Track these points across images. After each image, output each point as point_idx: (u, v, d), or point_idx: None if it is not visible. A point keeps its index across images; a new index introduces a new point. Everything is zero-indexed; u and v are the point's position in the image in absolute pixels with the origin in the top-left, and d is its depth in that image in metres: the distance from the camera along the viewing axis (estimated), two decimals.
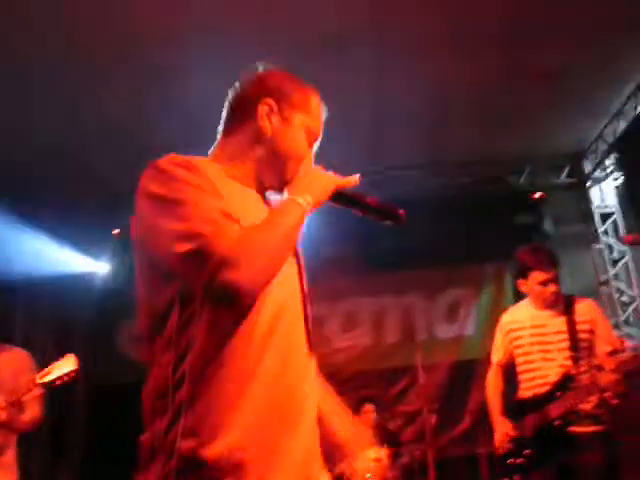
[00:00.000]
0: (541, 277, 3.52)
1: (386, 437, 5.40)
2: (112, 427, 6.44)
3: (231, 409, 1.40)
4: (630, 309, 6.96)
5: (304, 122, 1.65)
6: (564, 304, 3.55)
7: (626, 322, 6.95)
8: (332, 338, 7.07)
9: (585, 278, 7.18)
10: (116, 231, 7.04)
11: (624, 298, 7.03)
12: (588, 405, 3.33)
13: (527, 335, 3.59)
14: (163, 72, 4.84)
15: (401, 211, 1.70)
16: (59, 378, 3.39)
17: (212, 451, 1.35)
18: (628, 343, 3.51)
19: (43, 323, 6.92)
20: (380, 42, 4.86)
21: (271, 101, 1.59)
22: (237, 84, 1.68)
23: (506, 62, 5.15)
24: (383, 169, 6.81)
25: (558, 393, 3.34)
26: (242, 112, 1.63)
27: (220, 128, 1.69)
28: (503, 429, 3.54)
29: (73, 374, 3.40)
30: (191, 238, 1.34)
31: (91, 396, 7.02)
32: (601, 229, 7.17)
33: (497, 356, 3.80)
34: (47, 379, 3.36)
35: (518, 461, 3.43)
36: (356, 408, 5.49)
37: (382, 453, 4.86)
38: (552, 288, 3.51)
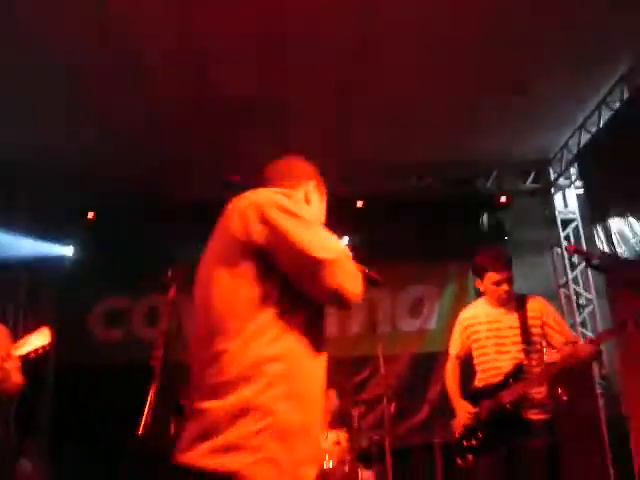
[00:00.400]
0: (495, 278, 3.87)
1: (346, 422, 5.68)
2: (80, 407, 6.61)
3: (308, 386, 1.88)
4: (586, 311, 7.27)
5: (322, 202, 2.33)
6: (517, 302, 3.89)
7: (582, 324, 7.25)
8: None
9: (545, 280, 7.52)
10: (90, 215, 7.20)
11: (581, 301, 7.33)
12: (539, 395, 3.68)
13: (484, 330, 3.93)
14: None
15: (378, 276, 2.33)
16: (34, 351, 3.60)
17: (298, 416, 1.79)
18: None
19: (13, 305, 6.97)
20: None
21: (314, 183, 2.30)
22: (296, 157, 2.42)
23: (477, 70, 5.36)
24: (355, 165, 7.05)
25: (510, 381, 3.67)
26: (297, 177, 2.29)
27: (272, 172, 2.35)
28: (464, 409, 3.86)
29: (47, 347, 3.60)
30: (330, 251, 1.84)
31: (60, 376, 7.04)
32: (562, 234, 7.44)
33: (455, 349, 4.13)
34: (22, 351, 3.57)
35: (472, 442, 3.76)
36: None
37: (342, 437, 5.19)
38: (505, 287, 3.86)
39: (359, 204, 7.20)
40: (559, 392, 5.63)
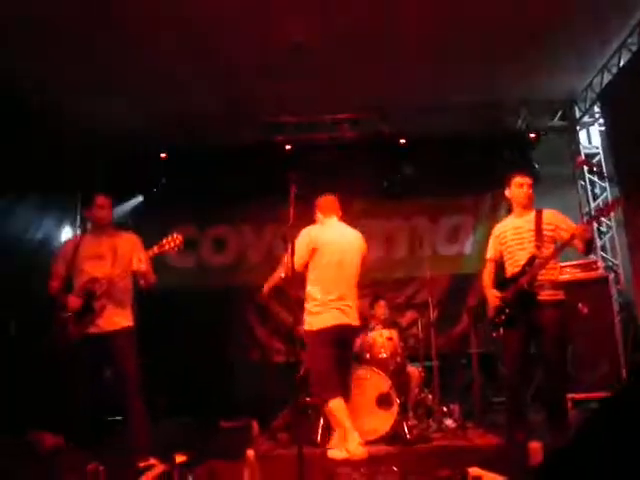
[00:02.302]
0: (519, 181, 4.91)
1: (396, 326, 6.65)
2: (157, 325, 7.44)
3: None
4: (607, 237, 8.05)
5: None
6: (536, 212, 4.86)
7: (602, 248, 8.04)
8: None
9: (570, 209, 8.28)
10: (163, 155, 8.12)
11: (602, 228, 8.09)
12: (551, 276, 4.68)
13: (510, 235, 4.91)
14: None
15: None
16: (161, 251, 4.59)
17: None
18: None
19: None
20: None
21: None
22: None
23: (508, 18, 5.92)
24: (396, 107, 7.83)
25: (526, 269, 4.67)
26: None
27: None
28: (493, 294, 4.88)
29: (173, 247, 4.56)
30: None
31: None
32: (586, 168, 8.14)
33: (489, 254, 5.11)
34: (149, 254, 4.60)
35: (502, 318, 4.76)
36: (371, 304, 6.70)
37: (393, 334, 6.15)
38: (526, 190, 4.87)
39: (402, 141, 7.99)
40: (580, 307, 6.69)
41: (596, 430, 1.99)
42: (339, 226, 5.30)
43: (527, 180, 4.90)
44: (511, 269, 4.85)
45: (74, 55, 6.14)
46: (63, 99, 6.86)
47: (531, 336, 4.69)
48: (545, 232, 4.73)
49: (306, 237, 5.08)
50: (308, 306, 5.05)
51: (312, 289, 5.05)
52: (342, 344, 5.02)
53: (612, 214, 5.27)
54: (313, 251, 5.05)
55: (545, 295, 4.63)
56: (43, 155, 6.64)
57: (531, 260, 4.67)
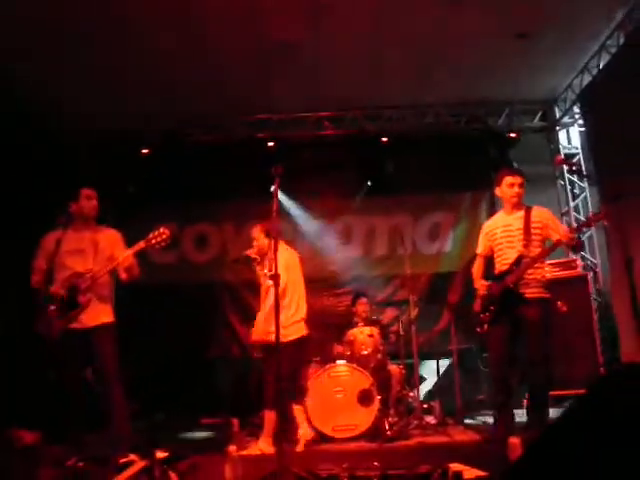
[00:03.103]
0: (510, 180, 4.95)
1: (377, 323, 6.68)
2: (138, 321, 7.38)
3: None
4: (586, 236, 8.08)
5: None
6: (525, 210, 4.92)
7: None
8: (330, 249, 8.28)
9: (549, 209, 8.35)
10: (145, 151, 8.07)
11: None
12: (538, 275, 4.77)
13: (499, 232, 5.00)
14: None
15: None
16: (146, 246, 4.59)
17: None
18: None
19: None
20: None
21: None
22: None
23: (492, 20, 6.02)
24: (379, 107, 7.92)
25: (514, 268, 4.76)
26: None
27: None
28: (482, 283, 4.99)
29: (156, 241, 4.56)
30: None
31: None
32: (565, 167, 8.20)
33: (480, 249, 5.23)
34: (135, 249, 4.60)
35: (487, 315, 4.87)
36: (353, 301, 6.73)
37: (374, 331, 6.18)
38: (517, 189, 4.92)
39: (384, 140, 8.03)
40: (559, 305, 6.78)
41: (569, 426, 2.02)
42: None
43: (518, 179, 4.97)
44: (499, 266, 4.96)
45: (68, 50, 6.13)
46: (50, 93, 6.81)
47: (515, 333, 4.77)
48: (533, 230, 4.82)
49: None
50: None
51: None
52: None
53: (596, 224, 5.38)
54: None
55: (531, 293, 4.74)
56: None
57: (518, 259, 4.76)
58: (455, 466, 3.32)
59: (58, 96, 6.88)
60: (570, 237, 4.66)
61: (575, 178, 8.25)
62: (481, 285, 4.98)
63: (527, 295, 4.73)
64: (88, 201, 4.81)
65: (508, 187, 4.95)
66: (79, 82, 6.74)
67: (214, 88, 7.16)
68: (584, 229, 5.05)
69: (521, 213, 4.92)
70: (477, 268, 5.20)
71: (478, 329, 4.94)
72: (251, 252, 5.35)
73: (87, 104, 7.10)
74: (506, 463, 3.44)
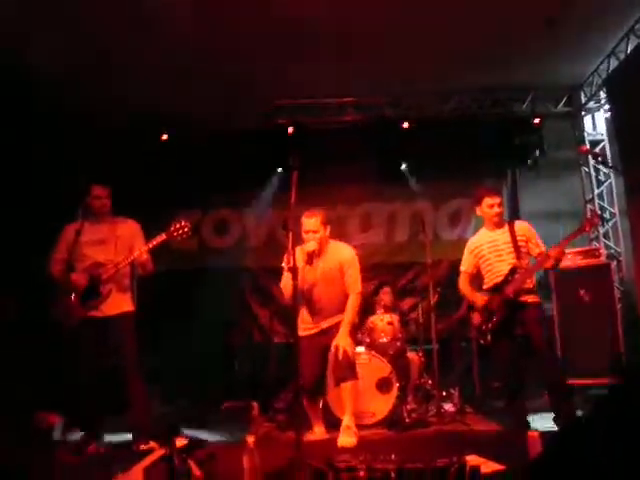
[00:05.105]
0: (489, 202, 5.16)
1: (398, 311, 6.67)
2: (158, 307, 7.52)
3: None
4: (609, 224, 8.06)
5: None
6: (508, 225, 5.18)
7: (605, 235, 8.06)
8: (350, 236, 8.22)
9: (573, 196, 8.29)
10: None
11: (605, 215, 8.07)
12: (530, 284, 5.00)
13: (486, 248, 5.20)
14: None
15: None
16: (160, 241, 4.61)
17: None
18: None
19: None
20: None
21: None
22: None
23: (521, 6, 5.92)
24: (404, 92, 7.82)
25: (510, 278, 4.95)
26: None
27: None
28: (480, 296, 5.15)
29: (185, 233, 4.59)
30: None
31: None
32: (591, 157, 8.08)
33: (465, 266, 5.40)
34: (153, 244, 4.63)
35: (489, 326, 5.01)
36: (375, 290, 6.72)
37: (394, 319, 6.18)
38: (497, 210, 5.16)
39: (405, 125, 7.94)
40: (581, 294, 6.74)
41: (589, 424, 2.00)
42: None
43: (497, 199, 5.19)
44: (490, 280, 5.14)
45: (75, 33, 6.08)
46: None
47: (518, 338, 4.99)
48: (520, 243, 5.05)
49: None
50: None
51: None
52: None
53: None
54: None
55: (525, 298, 4.97)
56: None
57: (513, 270, 4.98)
58: (472, 459, 3.30)
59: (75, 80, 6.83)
60: (559, 251, 4.89)
61: (600, 166, 8.11)
62: (482, 299, 5.09)
63: (523, 300, 4.96)
64: (97, 200, 4.84)
65: (488, 208, 5.17)
66: (94, 66, 6.65)
67: (232, 74, 7.03)
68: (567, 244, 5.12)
69: (505, 228, 5.16)
70: (465, 284, 5.34)
71: (482, 341, 5.11)
72: (314, 247, 4.93)
73: (102, 88, 7.03)
74: (525, 457, 3.42)
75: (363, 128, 8.02)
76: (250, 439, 2.94)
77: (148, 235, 4.83)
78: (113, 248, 4.73)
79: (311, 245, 4.88)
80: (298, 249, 4.65)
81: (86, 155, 7.33)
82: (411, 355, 6.30)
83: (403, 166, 8.34)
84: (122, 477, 3.01)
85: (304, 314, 5.07)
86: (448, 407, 6.12)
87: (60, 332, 4.52)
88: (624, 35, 6.67)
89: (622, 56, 6.87)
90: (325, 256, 5.03)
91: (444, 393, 6.35)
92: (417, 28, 6.34)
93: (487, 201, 5.16)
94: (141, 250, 4.61)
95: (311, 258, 4.87)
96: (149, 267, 4.76)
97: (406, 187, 8.44)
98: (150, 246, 4.61)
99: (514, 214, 8.02)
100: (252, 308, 8.30)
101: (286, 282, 4.37)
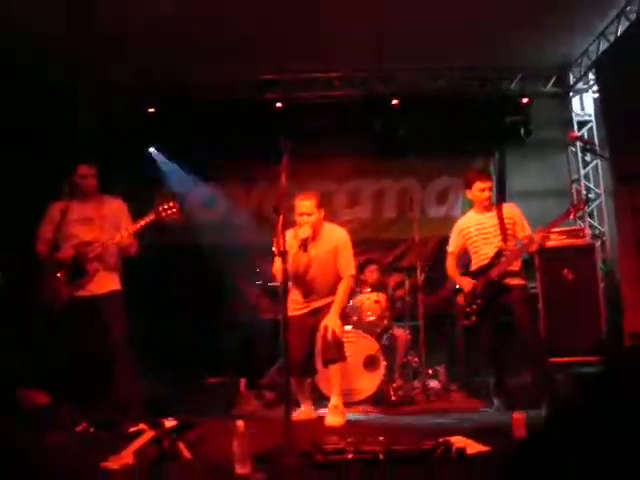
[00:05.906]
0: (480, 186, 5.23)
1: (384, 289, 6.70)
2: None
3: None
4: (594, 204, 8.14)
5: None
6: (496, 208, 5.24)
7: (590, 215, 8.15)
8: (338, 211, 8.25)
9: (560, 176, 8.34)
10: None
11: (591, 195, 8.15)
12: (516, 267, 5.08)
13: (473, 230, 5.28)
14: None
15: None
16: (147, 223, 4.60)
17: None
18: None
19: None
20: None
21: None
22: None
23: None
24: (390, 68, 7.77)
25: (495, 262, 5.03)
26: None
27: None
28: (466, 280, 5.25)
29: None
30: None
31: None
32: (579, 144, 8.15)
33: (452, 247, 5.49)
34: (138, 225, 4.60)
35: (473, 307, 5.13)
36: (362, 268, 6.71)
37: (381, 297, 6.21)
38: (487, 194, 5.25)
39: (395, 102, 7.90)
40: (565, 273, 6.83)
41: (575, 408, 2.03)
42: None
43: (488, 184, 5.28)
44: (477, 262, 5.23)
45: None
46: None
47: (502, 319, 5.14)
48: (507, 226, 5.13)
49: None
50: None
51: None
52: None
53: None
54: None
55: (510, 281, 5.07)
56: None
57: (498, 254, 5.05)
58: (458, 440, 3.36)
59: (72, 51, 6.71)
60: (543, 236, 4.99)
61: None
62: (468, 282, 5.19)
63: (508, 283, 5.05)
64: (83, 180, 4.80)
65: (479, 191, 5.25)
66: (88, 36, 6.49)
67: (220, 47, 6.90)
68: (551, 229, 5.23)
69: (493, 212, 5.24)
70: (452, 266, 5.46)
71: (466, 322, 5.21)
72: (308, 233, 4.87)
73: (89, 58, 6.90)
74: (509, 438, 3.49)
75: (352, 104, 7.96)
76: (240, 424, 2.96)
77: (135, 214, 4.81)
78: (100, 227, 4.71)
79: (305, 231, 4.85)
80: (290, 232, 4.62)
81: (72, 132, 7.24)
82: (398, 332, 6.34)
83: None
84: (113, 459, 3.02)
85: (295, 294, 5.08)
86: (434, 384, 6.21)
87: (47, 311, 4.50)
88: (615, 17, 6.65)
89: (612, 38, 6.85)
90: (320, 239, 5.02)
91: (430, 371, 6.43)
92: (405, 4, 6.21)
93: (478, 185, 5.24)
94: (129, 231, 4.57)
95: (305, 244, 4.84)
96: (132, 250, 4.77)
97: (394, 164, 8.41)
98: (138, 226, 4.58)
99: (501, 192, 8.02)
100: (240, 284, 8.26)
101: (278, 266, 4.29)
